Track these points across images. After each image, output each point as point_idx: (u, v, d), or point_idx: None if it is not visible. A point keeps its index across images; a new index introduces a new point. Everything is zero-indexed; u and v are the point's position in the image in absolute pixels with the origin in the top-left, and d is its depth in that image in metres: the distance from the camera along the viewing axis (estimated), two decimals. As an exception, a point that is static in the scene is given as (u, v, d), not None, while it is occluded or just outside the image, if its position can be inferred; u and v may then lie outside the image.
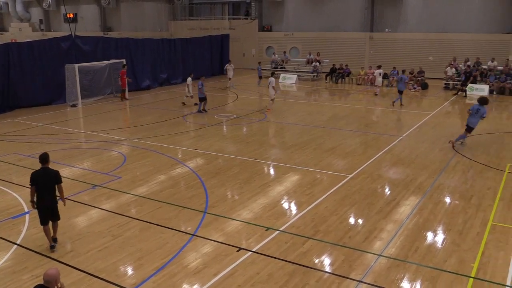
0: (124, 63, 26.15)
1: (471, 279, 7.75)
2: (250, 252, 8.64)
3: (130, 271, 8.13)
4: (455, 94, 27.54)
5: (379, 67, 28.49)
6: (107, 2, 47.38)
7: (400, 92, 23.71)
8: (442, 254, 8.63)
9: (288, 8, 40.29)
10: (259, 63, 33.80)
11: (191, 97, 23.55)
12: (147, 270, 8.09)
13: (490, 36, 32.59)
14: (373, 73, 32.20)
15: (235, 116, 21.57)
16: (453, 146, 15.84)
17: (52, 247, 8.76)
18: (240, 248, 8.78)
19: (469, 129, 15.91)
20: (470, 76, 27.57)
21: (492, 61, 30.19)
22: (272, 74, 23.37)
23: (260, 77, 32.05)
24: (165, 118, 21.01)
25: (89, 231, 9.61)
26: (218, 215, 10.35)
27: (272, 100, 22.67)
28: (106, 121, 20.68)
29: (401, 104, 23.81)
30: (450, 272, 7.98)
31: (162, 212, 10.56)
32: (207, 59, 36.61)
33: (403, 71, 26.18)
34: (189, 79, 24.04)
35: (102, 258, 8.49)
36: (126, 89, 26.04)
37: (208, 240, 9.13)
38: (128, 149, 16.01)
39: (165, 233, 9.49)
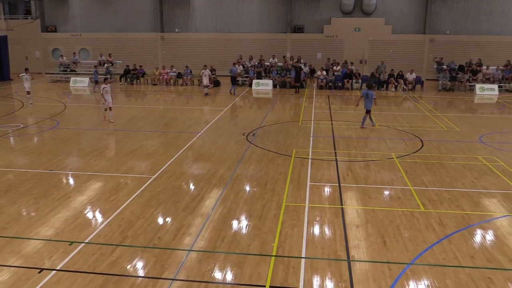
0: None
1: (273, 258, 8.51)
2: (54, 271, 8.01)
3: None
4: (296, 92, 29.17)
5: (205, 66, 29.14)
6: None
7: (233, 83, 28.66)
8: (246, 239, 9.28)
9: (73, 7, 38.12)
10: (95, 66, 31.29)
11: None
12: None
13: (269, 35, 36.02)
14: (167, 73, 32.72)
15: (22, 125, 19.62)
16: (361, 127, 18.86)
17: None
18: (42, 269, 8.07)
19: (367, 111, 18.85)
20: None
21: (273, 58, 33.39)
22: (105, 80, 21.47)
23: (97, 82, 29.48)
24: None
25: None
26: (12, 237, 9.33)
27: (110, 108, 20.32)
28: None
29: (234, 93, 28.14)
30: (254, 254, 8.62)
31: None
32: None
33: (234, 64, 29.60)
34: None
35: None
36: None
37: (3, 267, 8.17)
38: None
39: None
